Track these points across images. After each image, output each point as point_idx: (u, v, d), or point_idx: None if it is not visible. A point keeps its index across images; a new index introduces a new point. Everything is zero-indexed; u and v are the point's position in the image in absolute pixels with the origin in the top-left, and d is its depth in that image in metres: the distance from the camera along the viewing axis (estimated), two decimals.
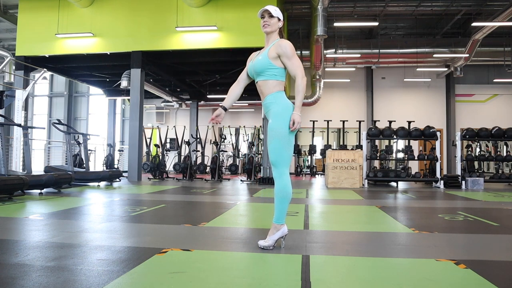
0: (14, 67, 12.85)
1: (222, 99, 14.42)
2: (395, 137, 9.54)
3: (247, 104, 15.80)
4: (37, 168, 11.45)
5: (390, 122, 11.87)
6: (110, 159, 12.69)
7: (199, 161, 12.44)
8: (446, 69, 14.74)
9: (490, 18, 11.05)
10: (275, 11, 2.60)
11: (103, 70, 12.24)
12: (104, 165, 12.66)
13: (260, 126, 13.39)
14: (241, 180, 10.31)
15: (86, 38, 10.16)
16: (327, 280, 1.94)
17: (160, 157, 11.20)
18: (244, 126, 14.36)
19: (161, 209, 4.60)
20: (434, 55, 13.41)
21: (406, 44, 13.71)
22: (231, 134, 14.13)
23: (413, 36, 14.73)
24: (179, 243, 2.73)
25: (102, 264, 2.14)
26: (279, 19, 2.62)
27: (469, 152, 10.75)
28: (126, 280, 1.88)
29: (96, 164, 14.72)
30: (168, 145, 13.28)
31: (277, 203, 2.52)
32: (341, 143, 14.63)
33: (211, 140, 12.01)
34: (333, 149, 10.08)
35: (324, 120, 14.64)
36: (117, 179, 8.79)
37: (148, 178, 10.86)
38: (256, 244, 2.61)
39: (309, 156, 14.67)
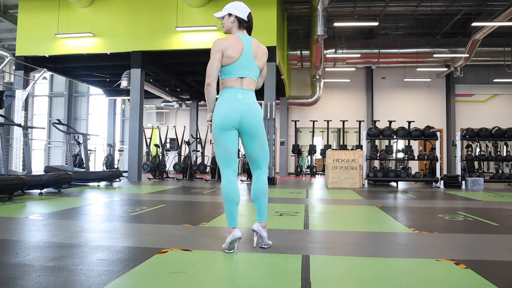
0: (14, 67, 12.85)
1: None
2: (395, 137, 9.53)
3: None
4: (37, 168, 11.45)
5: (390, 122, 11.88)
6: (110, 159, 12.69)
7: (199, 161, 12.44)
8: (446, 69, 14.75)
9: (490, 18, 11.05)
10: (221, 11, 2.63)
11: (103, 70, 12.24)
12: (104, 165, 12.66)
13: None
14: (241, 180, 10.30)
15: (86, 38, 10.16)
16: (327, 280, 1.94)
17: (160, 157, 11.20)
18: None
19: (161, 209, 4.60)
20: (434, 55, 13.41)
21: (406, 44, 13.71)
22: None
23: (413, 36, 14.73)
24: (179, 243, 2.73)
25: (102, 264, 2.14)
26: (229, 15, 2.60)
27: (469, 152, 10.76)
28: (126, 280, 1.88)
29: (96, 164, 14.72)
30: (168, 145, 13.28)
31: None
32: (341, 143, 14.64)
33: (211, 140, 12.01)
34: (333, 149, 10.08)
35: (324, 120, 14.64)
36: (117, 179, 8.79)
37: (148, 178, 10.86)
38: (257, 244, 2.60)
39: (309, 156, 14.67)
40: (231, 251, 2.44)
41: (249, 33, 2.66)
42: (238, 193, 2.48)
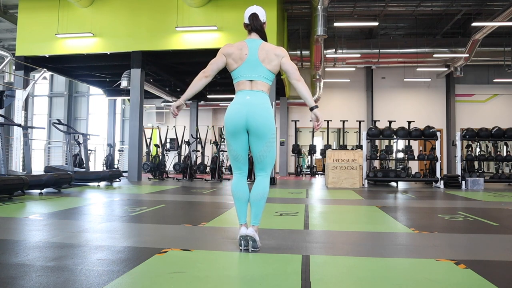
0: (14, 67, 12.84)
1: (222, 99, 14.44)
2: (395, 137, 9.53)
3: None
4: (37, 168, 11.45)
5: (390, 122, 11.87)
6: (110, 159, 12.68)
7: (199, 161, 12.43)
8: (446, 69, 14.74)
9: (490, 18, 11.04)
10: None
11: (103, 70, 12.24)
12: (104, 165, 12.66)
13: None
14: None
15: (86, 38, 10.16)
16: (327, 280, 1.94)
17: (160, 157, 11.20)
18: None
19: (161, 209, 4.60)
20: (434, 55, 13.40)
21: (406, 44, 13.70)
22: None
23: (413, 36, 14.72)
24: (179, 243, 2.73)
25: (102, 264, 2.14)
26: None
27: (469, 152, 10.75)
28: (126, 280, 1.88)
29: (96, 164, 14.72)
30: (168, 145, 13.28)
31: None
32: (341, 143, 14.64)
33: (211, 140, 12.00)
34: (333, 149, 10.08)
35: (324, 120, 14.61)
36: (117, 179, 8.79)
37: (148, 178, 10.86)
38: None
39: (309, 156, 14.66)
40: (241, 247, 2.48)
41: (260, 34, 2.63)
42: (244, 192, 2.57)
